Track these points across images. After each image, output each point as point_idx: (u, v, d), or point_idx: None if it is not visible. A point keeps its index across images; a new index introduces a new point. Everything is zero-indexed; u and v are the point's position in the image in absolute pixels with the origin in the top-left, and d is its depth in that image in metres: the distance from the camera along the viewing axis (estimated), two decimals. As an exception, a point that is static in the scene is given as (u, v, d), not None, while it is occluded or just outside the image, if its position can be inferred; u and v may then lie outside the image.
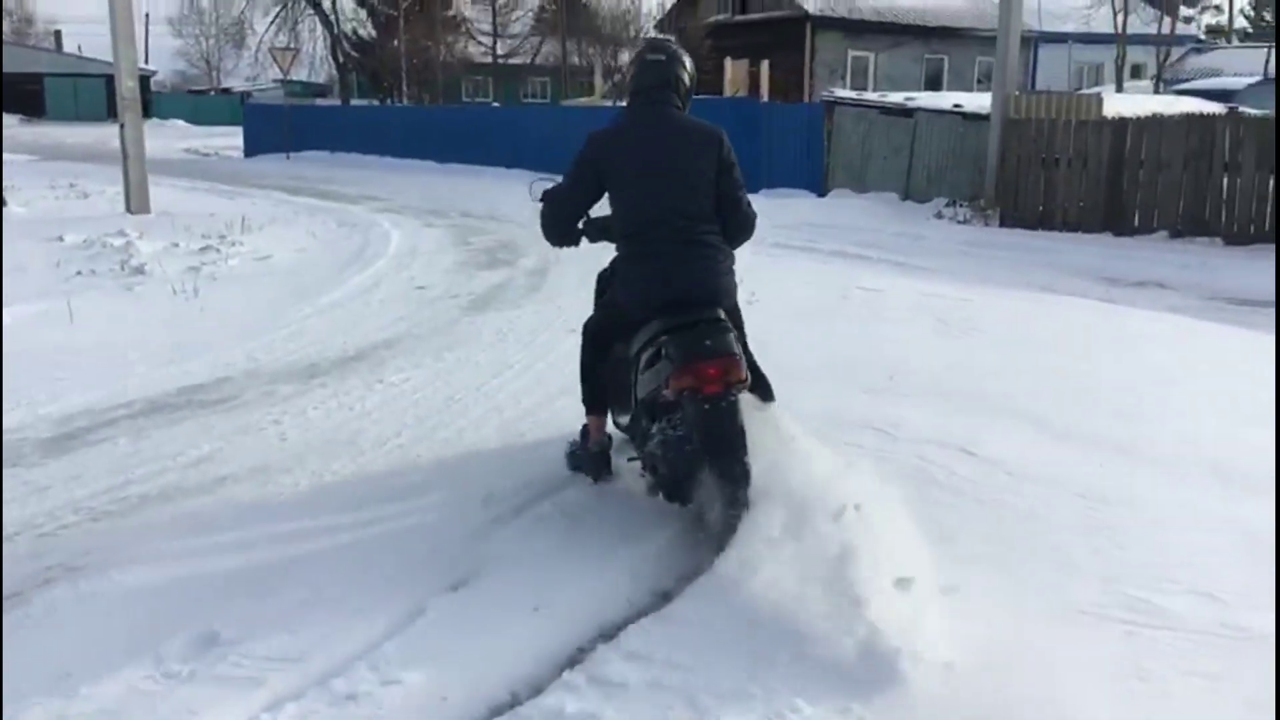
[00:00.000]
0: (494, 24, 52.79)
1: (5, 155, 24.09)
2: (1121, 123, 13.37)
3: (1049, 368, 5.99)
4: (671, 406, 3.67)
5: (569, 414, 5.19)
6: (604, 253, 4.17)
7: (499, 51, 52.85)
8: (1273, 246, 11.67)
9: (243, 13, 51.29)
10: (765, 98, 24.09)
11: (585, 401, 4.20)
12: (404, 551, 3.60)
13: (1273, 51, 27.77)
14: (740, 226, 3.97)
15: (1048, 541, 3.64)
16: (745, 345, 3.85)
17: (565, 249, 4.31)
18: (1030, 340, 6.80)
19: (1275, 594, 3.24)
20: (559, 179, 4.11)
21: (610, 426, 4.28)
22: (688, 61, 4.06)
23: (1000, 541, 3.65)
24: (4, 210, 13.46)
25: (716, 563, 3.35)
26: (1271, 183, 11.87)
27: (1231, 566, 3.46)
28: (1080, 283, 9.60)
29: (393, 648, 2.99)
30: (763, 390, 3.91)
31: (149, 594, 3.33)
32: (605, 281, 4.35)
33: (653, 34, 37.98)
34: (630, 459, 4.05)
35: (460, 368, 6.25)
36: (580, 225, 4.14)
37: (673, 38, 4.53)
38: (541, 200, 4.14)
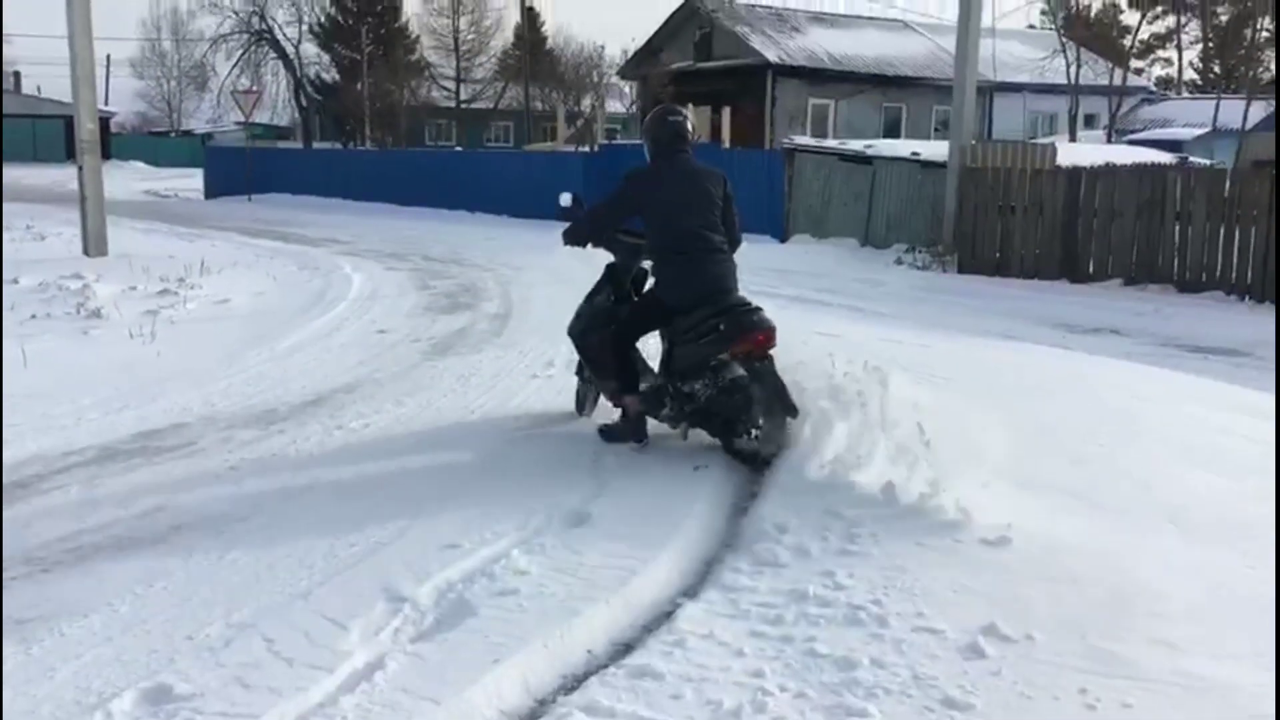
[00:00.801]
0: (457, 69, 53.13)
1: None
2: (1076, 172, 13.65)
3: (1005, 412, 6.03)
4: (714, 368, 5.05)
5: (531, 458, 5.21)
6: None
7: (462, 96, 53.13)
8: (1223, 294, 11.92)
9: (205, 56, 51.35)
10: (727, 144, 24.34)
11: (622, 387, 5.35)
12: (362, 602, 3.55)
13: (1223, 103, 28.46)
14: (738, 240, 5.53)
15: (1006, 590, 3.65)
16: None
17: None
18: (987, 385, 6.85)
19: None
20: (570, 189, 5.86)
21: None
22: (692, 118, 5.55)
23: (960, 590, 3.65)
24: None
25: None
26: (1223, 231, 12.13)
27: (1189, 615, 3.48)
28: (1037, 329, 9.74)
29: (350, 702, 2.94)
30: None
31: (99, 647, 3.25)
32: (606, 286, 5.69)
33: (615, 80, 38.42)
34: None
35: (421, 413, 6.20)
36: (609, 236, 5.58)
37: (679, 108, 6.06)
38: (570, 207, 5.66)
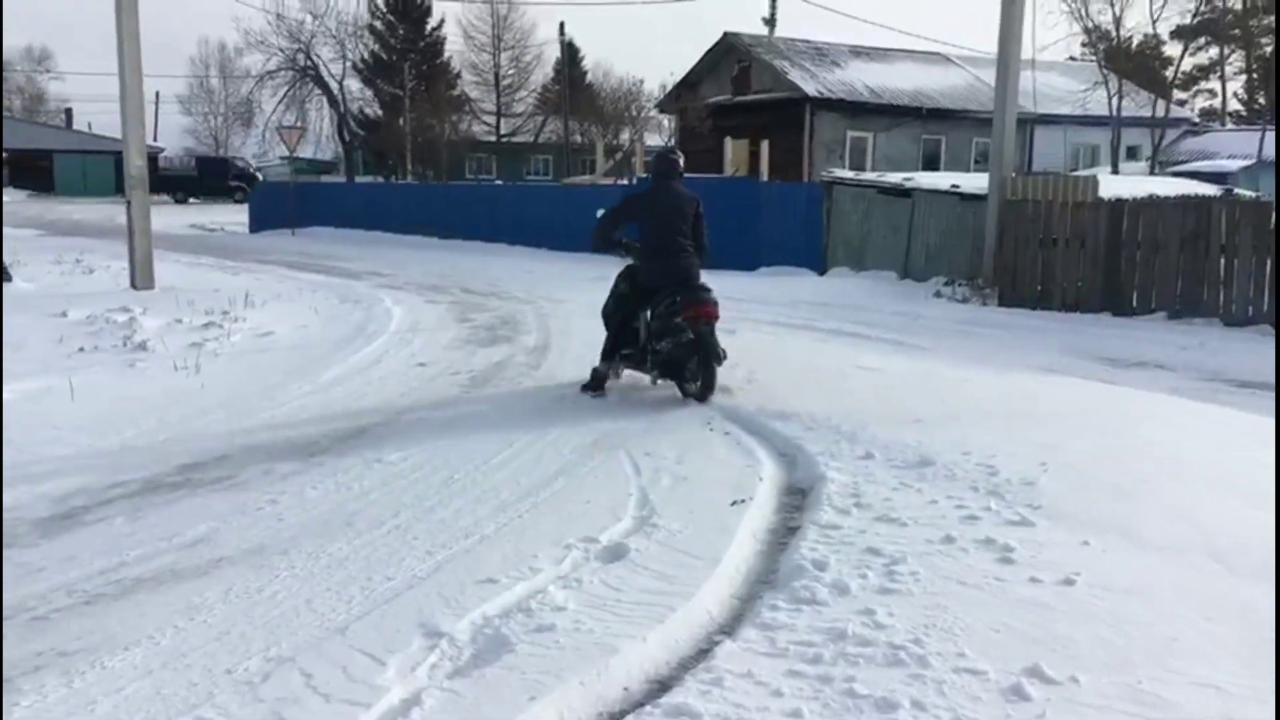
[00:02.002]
0: (498, 104, 53.75)
1: (12, 230, 24.38)
2: (1118, 204, 13.52)
3: (1048, 448, 5.97)
4: (675, 330, 7.33)
5: (568, 494, 5.21)
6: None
7: (502, 130, 53.71)
8: (1269, 328, 11.73)
9: (251, 92, 52.30)
10: (765, 177, 24.39)
11: (606, 353, 7.76)
12: (399, 638, 3.55)
13: (1268, 134, 28.14)
14: (705, 246, 7.83)
15: (1050, 630, 3.59)
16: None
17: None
18: (1032, 423, 6.78)
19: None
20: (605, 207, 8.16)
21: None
22: (682, 158, 8.12)
23: (1003, 630, 3.60)
24: (8, 285, 13.55)
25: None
26: (1270, 265, 11.96)
27: (1236, 657, 3.41)
28: (1079, 363, 9.63)
29: (386, 738, 2.94)
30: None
31: (140, 681, 3.28)
32: (623, 279, 7.99)
33: (654, 114, 38.65)
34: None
35: (458, 447, 6.22)
36: (616, 238, 7.87)
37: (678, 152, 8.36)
38: (599, 218, 7.91)
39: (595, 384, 7.67)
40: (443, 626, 3.62)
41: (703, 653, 3.57)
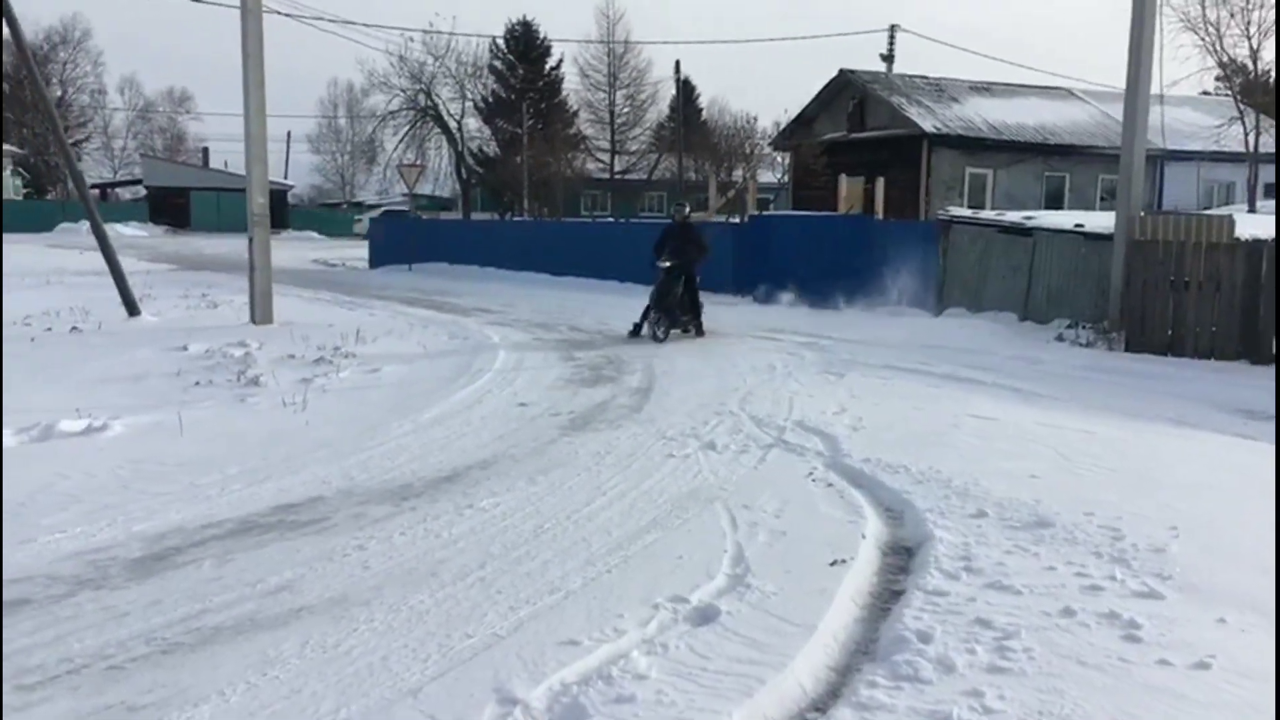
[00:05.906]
0: (612, 141, 54.28)
1: (147, 265, 25.41)
2: (1256, 245, 12.79)
3: (1184, 515, 5.54)
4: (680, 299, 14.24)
5: (660, 548, 5.01)
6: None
7: (617, 167, 54.18)
8: None
9: (374, 131, 53.86)
10: (880, 215, 23.91)
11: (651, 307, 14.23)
12: (472, 704, 3.39)
13: None
14: (705, 249, 14.61)
15: (1182, 724, 3.25)
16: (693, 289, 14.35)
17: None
18: (1161, 481, 6.34)
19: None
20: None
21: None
22: (688, 208, 16.10)
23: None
24: (136, 320, 14.03)
25: None
26: None
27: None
28: (1214, 415, 9.04)
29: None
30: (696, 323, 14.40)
31: (207, 739, 3.19)
32: (667, 274, 14.04)
33: (768, 151, 38.46)
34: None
35: (553, 493, 6.09)
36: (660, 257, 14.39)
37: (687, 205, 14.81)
38: (663, 263, 14.36)
39: (639, 330, 13.99)
40: (518, 693, 3.46)
41: (793, 732, 3.33)
